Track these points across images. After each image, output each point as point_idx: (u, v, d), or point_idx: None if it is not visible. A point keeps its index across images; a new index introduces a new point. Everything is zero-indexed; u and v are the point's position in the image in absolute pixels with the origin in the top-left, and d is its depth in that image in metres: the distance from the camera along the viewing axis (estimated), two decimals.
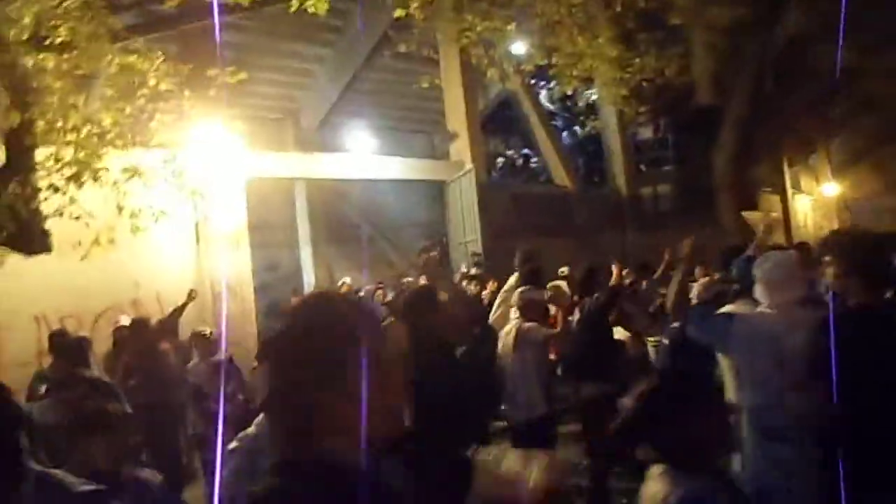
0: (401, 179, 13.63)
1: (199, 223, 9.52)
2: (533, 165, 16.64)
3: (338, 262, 15.23)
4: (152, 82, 7.46)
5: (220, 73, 7.98)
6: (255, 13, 12.13)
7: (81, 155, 6.58)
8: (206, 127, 8.59)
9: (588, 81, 9.93)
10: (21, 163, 5.99)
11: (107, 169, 6.96)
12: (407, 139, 16.19)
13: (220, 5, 7.09)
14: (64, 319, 7.91)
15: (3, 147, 5.97)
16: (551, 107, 17.60)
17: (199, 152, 8.72)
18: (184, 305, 7.40)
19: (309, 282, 14.79)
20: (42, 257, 6.06)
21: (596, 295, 6.04)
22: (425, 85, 12.29)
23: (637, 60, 9.25)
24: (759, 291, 3.69)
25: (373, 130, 12.97)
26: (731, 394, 3.77)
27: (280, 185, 13.06)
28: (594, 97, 16.41)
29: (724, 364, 3.87)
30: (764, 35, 12.78)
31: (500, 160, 17.77)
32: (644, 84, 9.51)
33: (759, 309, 3.71)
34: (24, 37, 6.00)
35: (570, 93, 18.46)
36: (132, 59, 7.25)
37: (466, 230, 11.58)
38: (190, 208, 9.01)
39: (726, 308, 3.98)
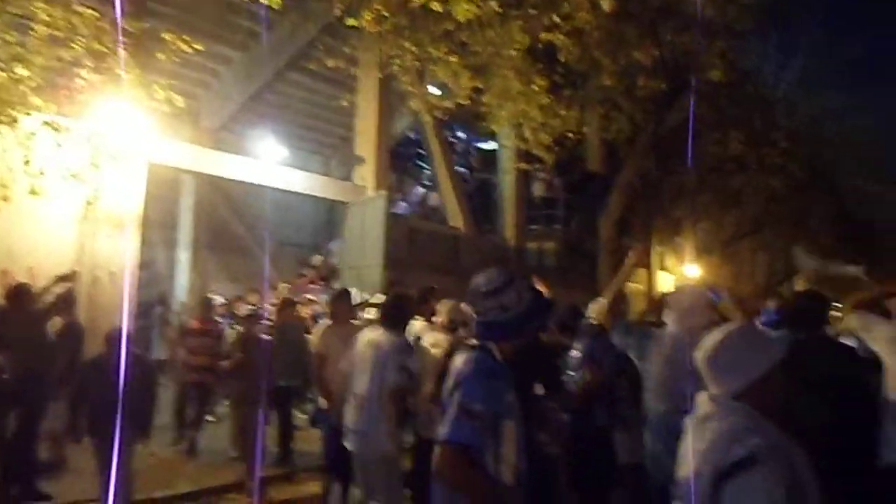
0: (296, 198, 13.40)
1: (90, 201, 8.85)
2: (432, 204, 16.77)
3: (215, 271, 14.60)
4: (83, 40, 7.02)
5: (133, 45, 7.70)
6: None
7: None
8: (115, 103, 8.12)
9: (518, 126, 10.23)
10: None
11: (28, 113, 6.42)
12: (304, 158, 15.92)
13: None
14: None
15: None
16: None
17: (107, 126, 8.23)
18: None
19: (182, 286, 14.06)
20: None
21: None
22: (344, 103, 12.25)
23: (563, 112, 9.67)
24: (670, 317, 4.16)
25: (279, 143, 12.66)
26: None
27: (166, 181, 12.41)
28: (495, 147, 16.93)
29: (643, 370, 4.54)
30: (660, 115, 13.60)
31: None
32: (568, 135, 9.98)
33: (669, 330, 4.38)
34: None
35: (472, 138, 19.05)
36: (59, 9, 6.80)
37: (366, 255, 11.43)
38: (79, 184, 8.45)
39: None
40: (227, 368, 7.05)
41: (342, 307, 6.32)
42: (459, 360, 2.61)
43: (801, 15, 16.35)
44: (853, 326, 3.97)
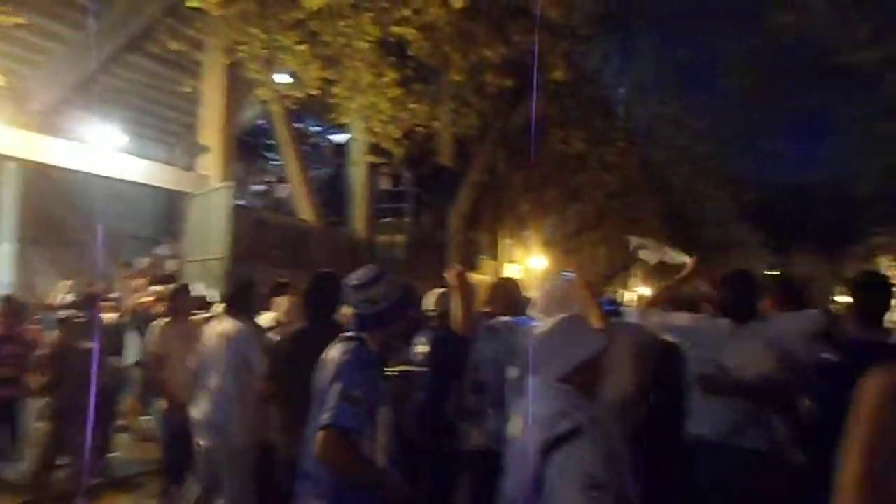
0: (137, 188, 12.69)
1: None
2: (279, 196, 16.39)
3: (44, 266, 13.60)
4: None
5: None
6: None
7: None
8: None
9: (368, 119, 10.17)
10: None
11: None
12: (145, 146, 15.10)
13: None
14: None
15: None
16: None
17: None
18: None
19: (5, 283, 12.97)
20: None
21: None
22: (188, 89, 11.72)
23: (413, 106, 9.72)
24: (540, 309, 4.30)
25: (117, 129, 11.90)
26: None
27: None
28: (344, 139, 16.77)
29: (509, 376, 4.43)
30: (507, 112, 14.01)
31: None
32: (418, 129, 10.04)
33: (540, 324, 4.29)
34: None
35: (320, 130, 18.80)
36: None
37: (210, 248, 11.00)
38: None
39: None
40: (40, 385, 6.20)
41: (181, 303, 6.04)
42: (337, 351, 2.81)
43: (638, 23, 17.30)
44: (654, 320, 4.36)
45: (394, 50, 9.71)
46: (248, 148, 17.41)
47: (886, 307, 3.86)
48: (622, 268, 23.44)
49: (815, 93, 14.63)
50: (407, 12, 8.78)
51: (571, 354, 2.49)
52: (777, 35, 13.00)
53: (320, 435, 2.58)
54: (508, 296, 4.92)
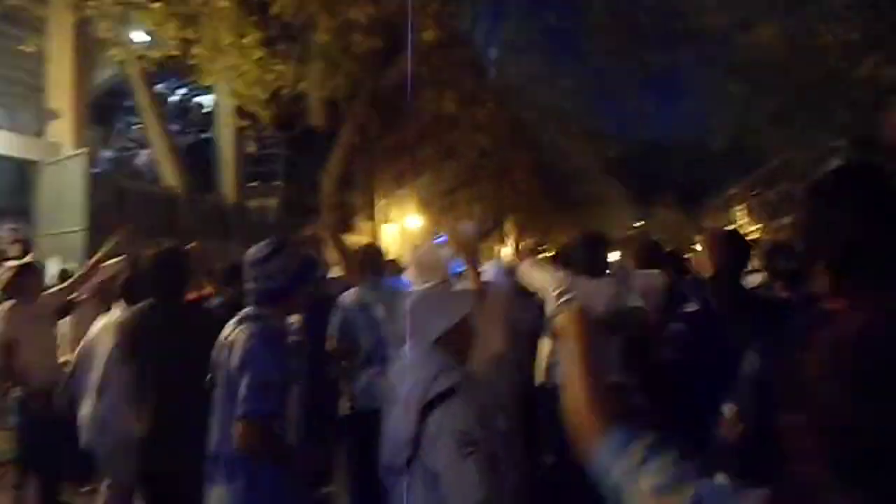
0: None
1: None
2: (141, 162, 15.56)
3: None
4: None
5: None
6: None
7: None
8: None
9: (232, 81, 9.74)
10: None
11: None
12: None
13: None
14: None
15: None
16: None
17: None
18: None
19: None
20: None
21: None
22: (30, 49, 10.87)
23: (279, 67, 9.40)
24: (411, 273, 4.43)
25: None
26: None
27: None
28: (210, 104, 16.10)
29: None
30: (377, 73, 13.78)
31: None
32: (284, 91, 9.72)
33: (413, 287, 4.44)
34: None
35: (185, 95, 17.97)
36: None
37: (66, 220, 10.36)
38: None
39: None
40: None
41: (27, 282, 5.42)
42: (242, 334, 2.71)
43: None
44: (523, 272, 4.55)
45: (255, 9, 9.33)
46: (105, 111, 16.40)
47: (744, 264, 4.16)
48: (494, 225, 23.89)
49: (670, 53, 15.21)
50: None
51: (440, 319, 2.56)
52: None
53: (238, 426, 2.56)
54: (370, 261, 5.00)
